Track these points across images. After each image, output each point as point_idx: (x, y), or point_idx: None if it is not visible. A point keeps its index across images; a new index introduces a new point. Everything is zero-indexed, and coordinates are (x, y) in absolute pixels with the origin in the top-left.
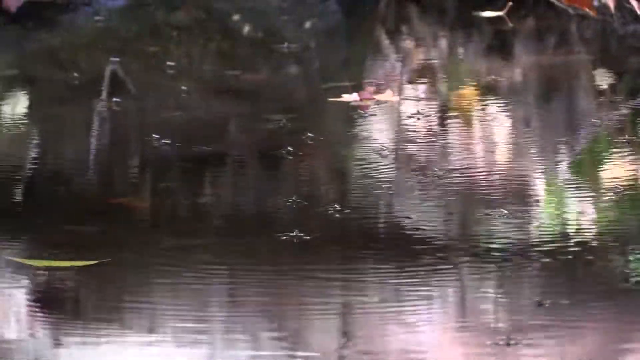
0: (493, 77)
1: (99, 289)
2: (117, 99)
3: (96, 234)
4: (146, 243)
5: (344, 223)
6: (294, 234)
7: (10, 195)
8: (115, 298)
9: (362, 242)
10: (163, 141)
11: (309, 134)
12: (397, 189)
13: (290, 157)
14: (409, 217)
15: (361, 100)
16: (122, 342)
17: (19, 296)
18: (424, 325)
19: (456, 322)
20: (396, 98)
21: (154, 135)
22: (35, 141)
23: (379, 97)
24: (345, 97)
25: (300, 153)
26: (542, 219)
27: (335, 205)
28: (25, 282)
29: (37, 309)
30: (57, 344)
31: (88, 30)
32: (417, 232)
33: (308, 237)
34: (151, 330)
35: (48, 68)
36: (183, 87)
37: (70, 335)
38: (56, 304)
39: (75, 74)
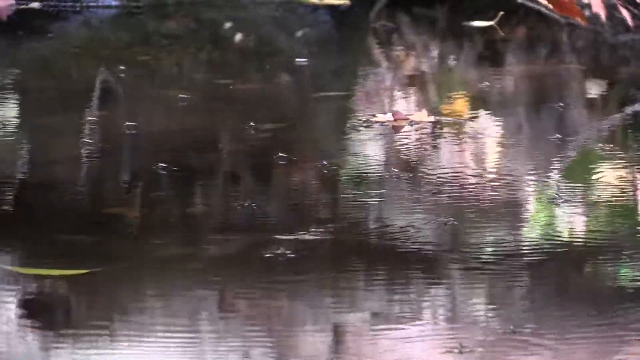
0: (485, 86)
1: (89, 298)
2: (108, 108)
3: (87, 244)
4: (137, 253)
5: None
6: (280, 251)
7: (1, 204)
8: (105, 307)
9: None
10: (155, 151)
11: (291, 151)
12: (387, 201)
13: (280, 169)
14: (397, 231)
15: (395, 120)
16: (112, 351)
17: (10, 304)
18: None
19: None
20: (431, 118)
21: (145, 145)
22: (27, 150)
23: (413, 117)
24: (380, 117)
25: (290, 163)
26: (531, 228)
27: (319, 223)
28: (16, 290)
29: (27, 318)
30: (48, 352)
31: (79, 38)
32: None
33: (294, 255)
34: (141, 340)
35: (39, 76)
36: (174, 96)
37: (60, 344)
38: (47, 313)
39: (67, 83)
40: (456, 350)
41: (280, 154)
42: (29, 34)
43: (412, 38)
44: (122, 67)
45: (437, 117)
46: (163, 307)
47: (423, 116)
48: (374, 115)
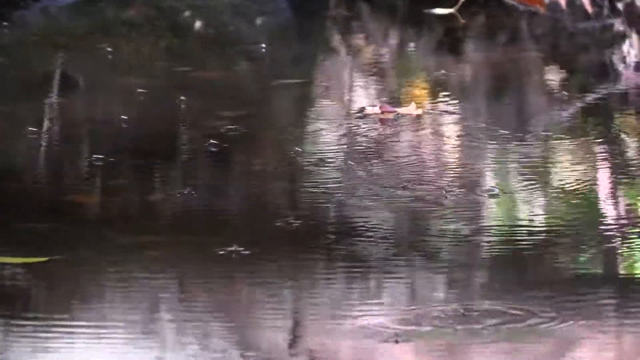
0: (444, 73)
1: (49, 286)
2: (67, 96)
3: (47, 232)
4: (97, 240)
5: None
6: (233, 248)
7: None
8: (65, 295)
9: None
10: (114, 139)
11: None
12: (345, 191)
13: (239, 156)
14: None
15: (382, 112)
16: (72, 338)
17: None
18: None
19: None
20: (419, 111)
21: (104, 132)
22: None
23: (401, 110)
24: (368, 110)
25: (247, 151)
26: (492, 216)
27: (288, 216)
28: None
29: None
30: (7, 340)
31: (38, 26)
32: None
33: (247, 252)
34: (101, 327)
35: None
36: (133, 84)
37: (20, 332)
38: (6, 300)
39: (25, 71)
40: (391, 341)
41: (242, 142)
42: None
43: (372, 26)
44: (81, 55)
45: (425, 110)
46: (123, 295)
47: (411, 109)
48: (363, 109)
